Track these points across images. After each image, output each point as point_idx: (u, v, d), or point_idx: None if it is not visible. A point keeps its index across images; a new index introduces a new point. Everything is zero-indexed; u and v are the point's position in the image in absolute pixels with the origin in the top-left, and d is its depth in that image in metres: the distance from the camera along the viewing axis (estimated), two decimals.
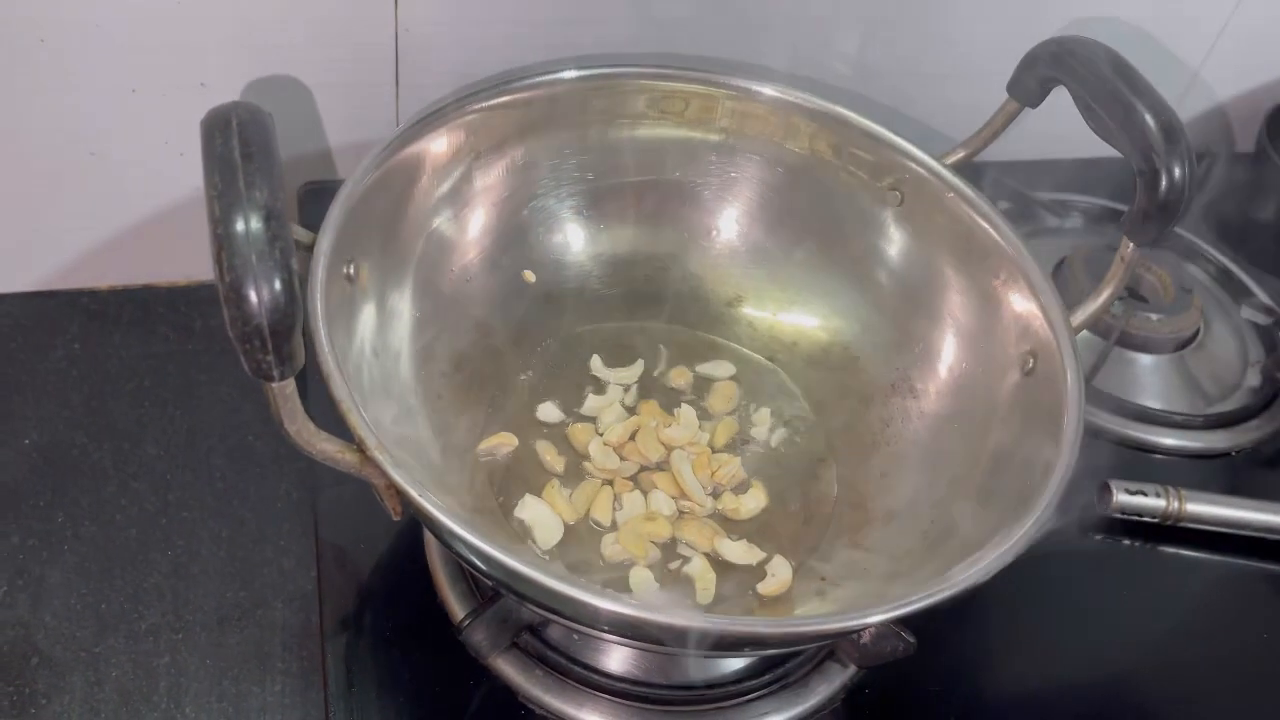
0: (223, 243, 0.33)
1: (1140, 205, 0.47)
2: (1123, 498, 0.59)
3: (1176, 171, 0.46)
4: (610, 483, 0.53)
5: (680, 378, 0.58)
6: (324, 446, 0.38)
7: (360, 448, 0.39)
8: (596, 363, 0.58)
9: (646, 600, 0.48)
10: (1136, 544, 0.60)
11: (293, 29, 0.59)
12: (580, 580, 0.46)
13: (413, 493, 0.38)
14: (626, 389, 0.57)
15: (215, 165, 0.34)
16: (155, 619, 0.54)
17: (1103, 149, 0.78)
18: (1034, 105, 0.55)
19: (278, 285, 0.33)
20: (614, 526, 0.52)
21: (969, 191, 0.55)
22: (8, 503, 0.57)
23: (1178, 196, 0.46)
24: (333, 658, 0.49)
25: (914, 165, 0.56)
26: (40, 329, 0.65)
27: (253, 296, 0.33)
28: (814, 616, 0.46)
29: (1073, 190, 0.78)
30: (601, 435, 0.55)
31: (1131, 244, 0.48)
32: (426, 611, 0.51)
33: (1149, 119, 0.46)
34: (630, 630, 0.40)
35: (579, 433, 0.55)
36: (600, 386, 0.57)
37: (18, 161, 0.60)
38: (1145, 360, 0.68)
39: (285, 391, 0.36)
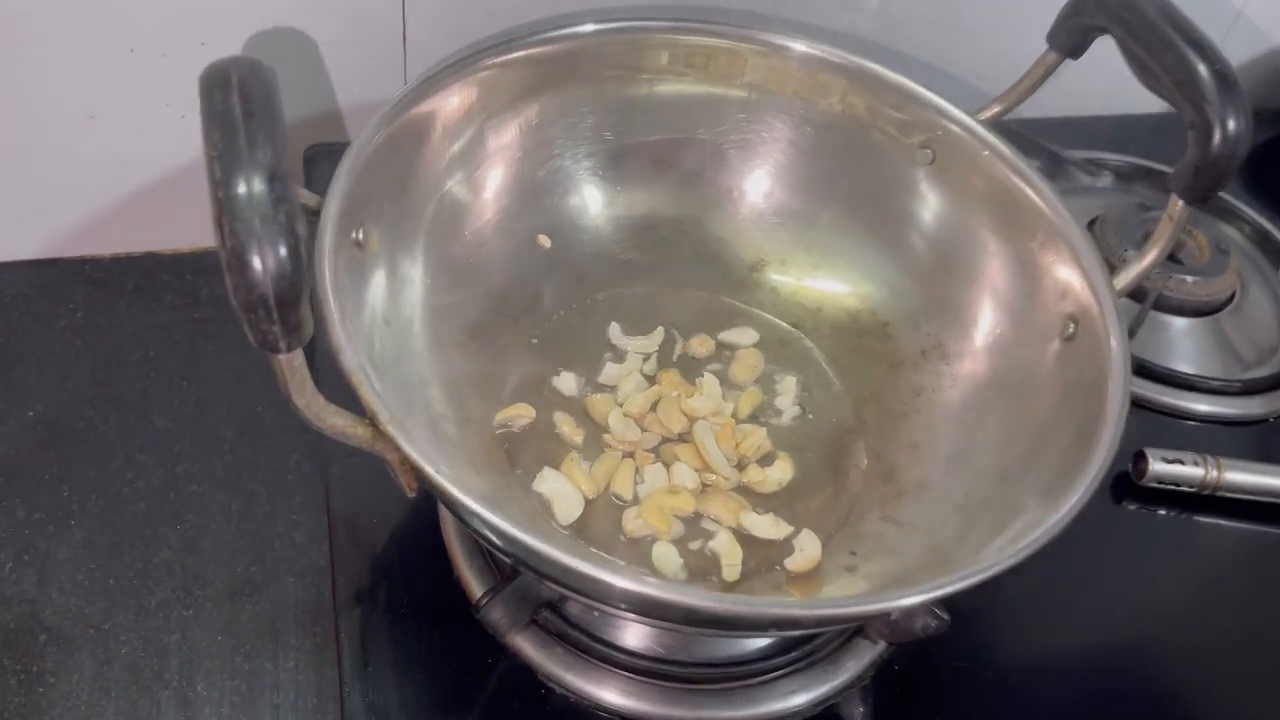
0: (224, 206, 0.31)
1: (1191, 160, 0.45)
2: (1159, 466, 0.58)
3: (1231, 124, 0.43)
4: (631, 455, 0.51)
5: (702, 346, 0.57)
6: (335, 421, 0.37)
7: (373, 422, 0.37)
8: (615, 330, 0.56)
9: (668, 579, 0.46)
10: (1173, 514, 0.59)
11: None
12: (601, 557, 0.44)
13: (428, 468, 0.36)
14: (646, 358, 0.55)
15: (215, 124, 0.32)
16: (165, 594, 0.53)
17: (1135, 105, 0.76)
18: (1075, 56, 0.52)
19: (283, 250, 0.31)
20: (635, 500, 0.50)
21: (1004, 149, 0.52)
22: (12, 477, 0.56)
23: (1231, 151, 0.44)
24: (347, 634, 0.48)
25: (946, 122, 0.54)
26: (43, 298, 0.63)
27: (256, 263, 0.31)
28: (849, 598, 0.44)
29: (1103, 148, 0.76)
30: (621, 406, 0.53)
31: (1181, 202, 0.46)
32: (443, 587, 0.50)
33: (1202, 68, 0.43)
34: (653, 610, 0.39)
35: (598, 403, 0.53)
36: (619, 355, 0.55)
37: (15, 127, 0.59)
38: (1180, 324, 0.66)
39: (293, 363, 0.34)
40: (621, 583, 0.36)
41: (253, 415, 0.60)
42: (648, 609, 0.38)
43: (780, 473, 0.52)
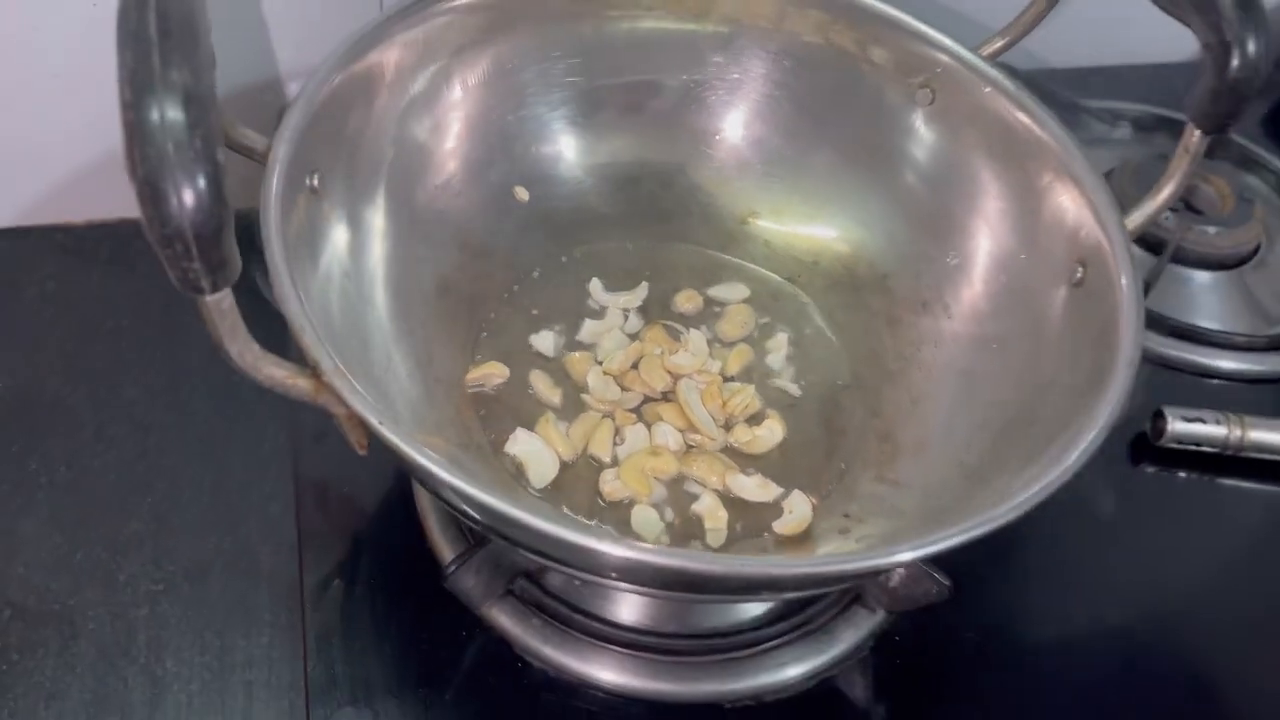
0: (134, 131, 0.28)
1: (1208, 85, 0.41)
2: (1179, 426, 0.55)
3: (1250, 45, 0.40)
4: (611, 415, 0.49)
5: (689, 302, 0.54)
6: (272, 371, 0.34)
7: (315, 373, 0.35)
8: (596, 286, 0.53)
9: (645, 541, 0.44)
10: (1194, 476, 0.56)
11: None
12: (570, 519, 0.42)
13: (372, 420, 0.34)
14: (628, 314, 0.53)
15: (127, 43, 0.29)
16: (134, 569, 0.51)
17: (1155, 54, 0.73)
18: None
19: (201, 181, 0.29)
20: (615, 463, 0.47)
21: (1008, 84, 0.49)
22: None
23: (1251, 74, 0.40)
24: (312, 604, 0.47)
25: (945, 57, 0.51)
26: (12, 267, 0.62)
27: (171, 195, 0.28)
28: (834, 556, 0.41)
29: (1122, 97, 0.73)
30: (600, 364, 0.50)
31: (1198, 132, 0.43)
32: (417, 559, 0.48)
33: None
34: (629, 575, 0.36)
35: (576, 362, 0.50)
36: (600, 312, 0.53)
37: None
38: (1202, 277, 0.64)
39: (221, 306, 0.31)
40: (590, 544, 0.33)
41: (228, 386, 0.57)
42: (622, 572, 0.36)
43: (770, 433, 0.49)
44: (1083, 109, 0.70)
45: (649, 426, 0.48)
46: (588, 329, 0.52)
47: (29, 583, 0.50)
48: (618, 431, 0.48)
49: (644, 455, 0.47)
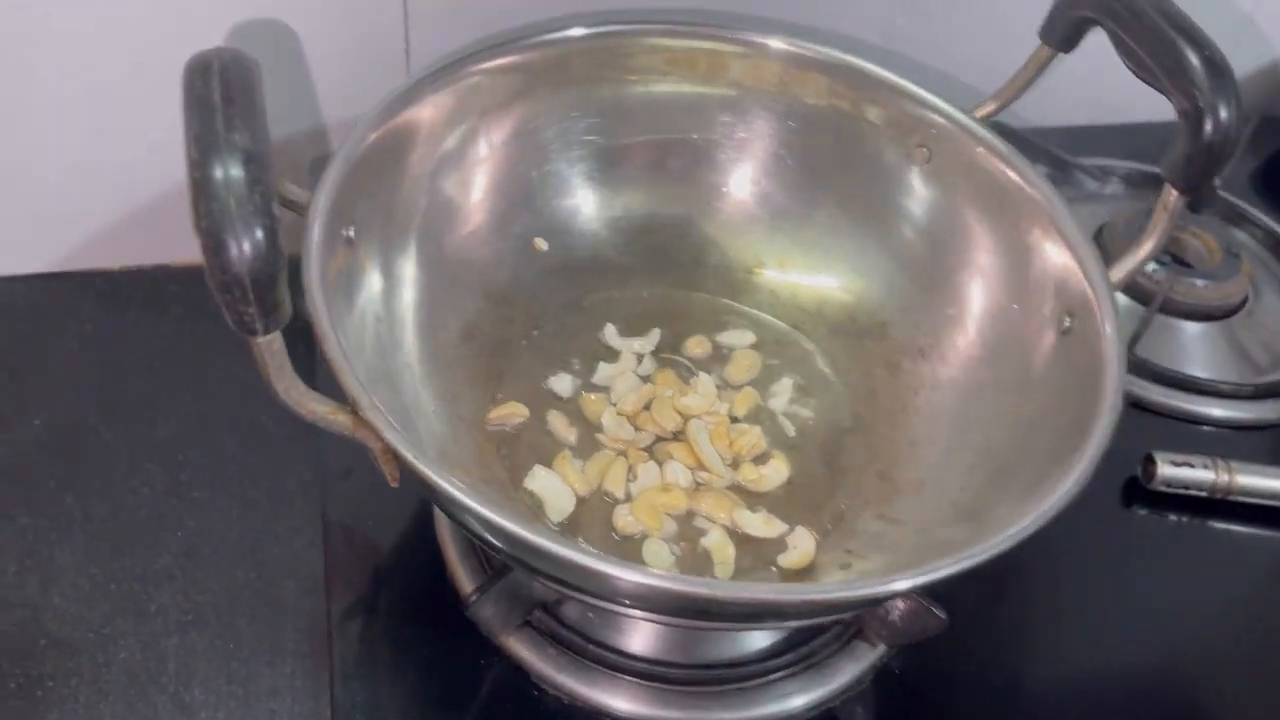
0: (200, 187, 0.31)
1: (1183, 149, 0.44)
2: (1168, 470, 0.57)
3: (1223, 111, 0.43)
4: (624, 454, 0.51)
5: (698, 347, 0.56)
6: (315, 407, 0.37)
7: (353, 409, 0.37)
8: (610, 332, 0.56)
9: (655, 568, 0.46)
10: (1183, 519, 0.57)
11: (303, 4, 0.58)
12: (585, 547, 0.44)
13: (408, 454, 0.36)
14: (641, 358, 0.55)
15: (194, 108, 0.33)
16: (165, 600, 0.53)
17: (1144, 113, 0.76)
18: (1067, 50, 0.52)
19: (259, 232, 0.31)
20: (628, 498, 0.49)
21: (1000, 145, 0.52)
22: (18, 484, 0.57)
23: (1223, 138, 0.43)
24: (339, 634, 0.48)
25: (940, 119, 0.53)
26: (52, 311, 0.64)
27: (231, 244, 0.31)
28: (834, 584, 0.43)
29: (1112, 155, 0.75)
30: (614, 405, 0.52)
31: (1175, 192, 0.45)
32: (438, 590, 0.49)
33: (1192, 55, 0.43)
34: (644, 601, 0.38)
35: (591, 403, 0.53)
36: (614, 356, 0.55)
37: (25, 141, 0.60)
38: (1191, 328, 0.65)
39: (272, 347, 0.34)
40: (605, 569, 0.35)
41: (256, 425, 0.60)
42: (633, 597, 0.38)
43: (775, 472, 0.51)
44: (1074, 166, 0.72)
45: (660, 464, 0.51)
46: (602, 372, 0.54)
47: (64, 613, 0.52)
48: (631, 469, 0.50)
49: (656, 492, 0.49)
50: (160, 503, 0.57)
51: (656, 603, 0.37)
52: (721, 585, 0.37)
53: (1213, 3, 0.70)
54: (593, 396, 0.53)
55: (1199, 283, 0.65)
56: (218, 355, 0.63)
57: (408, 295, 0.49)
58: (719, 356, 0.56)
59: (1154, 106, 0.48)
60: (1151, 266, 0.64)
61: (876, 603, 0.37)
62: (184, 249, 0.66)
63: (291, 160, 0.63)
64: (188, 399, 0.61)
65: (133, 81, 0.58)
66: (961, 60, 0.66)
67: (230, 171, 0.31)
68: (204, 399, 0.61)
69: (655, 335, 0.56)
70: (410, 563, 0.51)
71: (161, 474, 0.58)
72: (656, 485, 0.49)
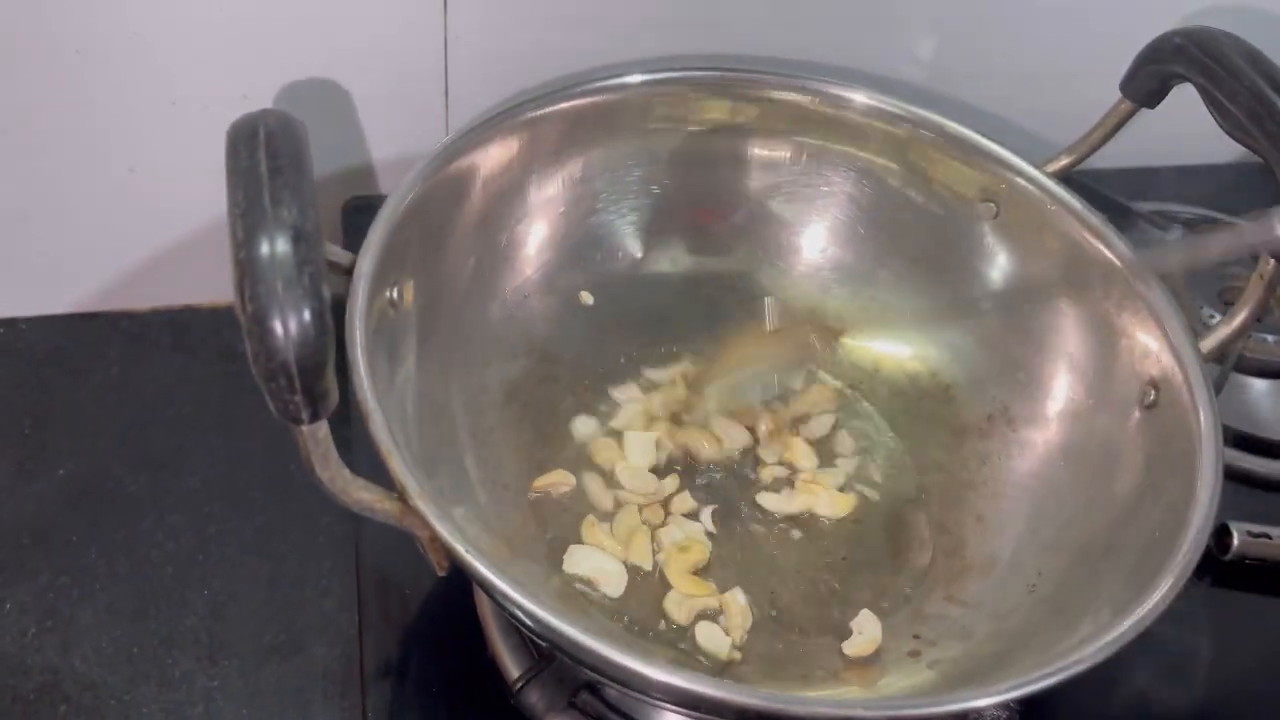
0: (245, 268, 0.29)
1: None
2: (1244, 540, 0.54)
3: None
4: (644, 518, 0.49)
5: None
6: (361, 495, 0.34)
7: (401, 496, 0.35)
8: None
9: (717, 659, 0.43)
10: (1259, 595, 0.55)
11: (339, 39, 0.56)
12: (642, 645, 0.41)
13: (459, 548, 0.34)
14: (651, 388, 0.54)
15: (239, 181, 0.30)
16: (189, 664, 0.51)
17: (1204, 155, 0.73)
18: (1152, 105, 0.49)
19: (307, 316, 0.29)
20: (656, 569, 0.47)
21: (1074, 203, 0.49)
22: (39, 538, 0.55)
23: None
24: (373, 710, 0.46)
25: (1011, 175, 0.51)
26: (79, 353, 0.63)
27: (278, 329, 0.29)
28: (917, 699, 0.40)
29: (1173, 199, 0.73)
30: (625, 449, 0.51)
31: (1273, 261, 0.43)
32: (475, 662, 0.47)
33: None
34: (696, 705, 0.35)
35: (601, 448, 0.51)
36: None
37: (55, 179, 0.58)
38: (1261, 385, 0.63)
39: (317, 435, 0.32)
40: (661, 676, 0.33)
41: (284, 475, 0.58)
42: (685, 703, 0.35)
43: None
44: (1134, 212, 0.70)
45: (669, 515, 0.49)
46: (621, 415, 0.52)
47: (85, 677, 0.50)
48: (654, 535, 0.48)
49: (678, 555, 0.47)
50: (186, 559, 0.55)
51: (715, 710, 0.35)
52: (781, 698, 0.35)
53: None
54: (601, 441, 0.51)
55: (1270, 339, 0.63)
56: (246, 399, 0.61)
57: (452, 356, 0.47)
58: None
59: (1216, 146, 0.45)
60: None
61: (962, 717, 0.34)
62: (213, 289, 0.65)
63: (322, 205, 0.62)
64: (216, 445, 0.59)
65: (163, 120, 0.57)
66: (1034, 111, 0.64)
67: (278, 250, 0.29)
68: (232, 448, 0.59)
69: (678, 366, 0.55)
70: (448, 629, 0.49)
71: (188, 528, 0.56)
72: (677, 546, 0.47)
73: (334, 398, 0.31)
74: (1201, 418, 0.42)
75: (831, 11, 0.60)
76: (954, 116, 0.52)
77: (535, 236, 0.52)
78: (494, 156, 0.48)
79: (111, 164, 0.58)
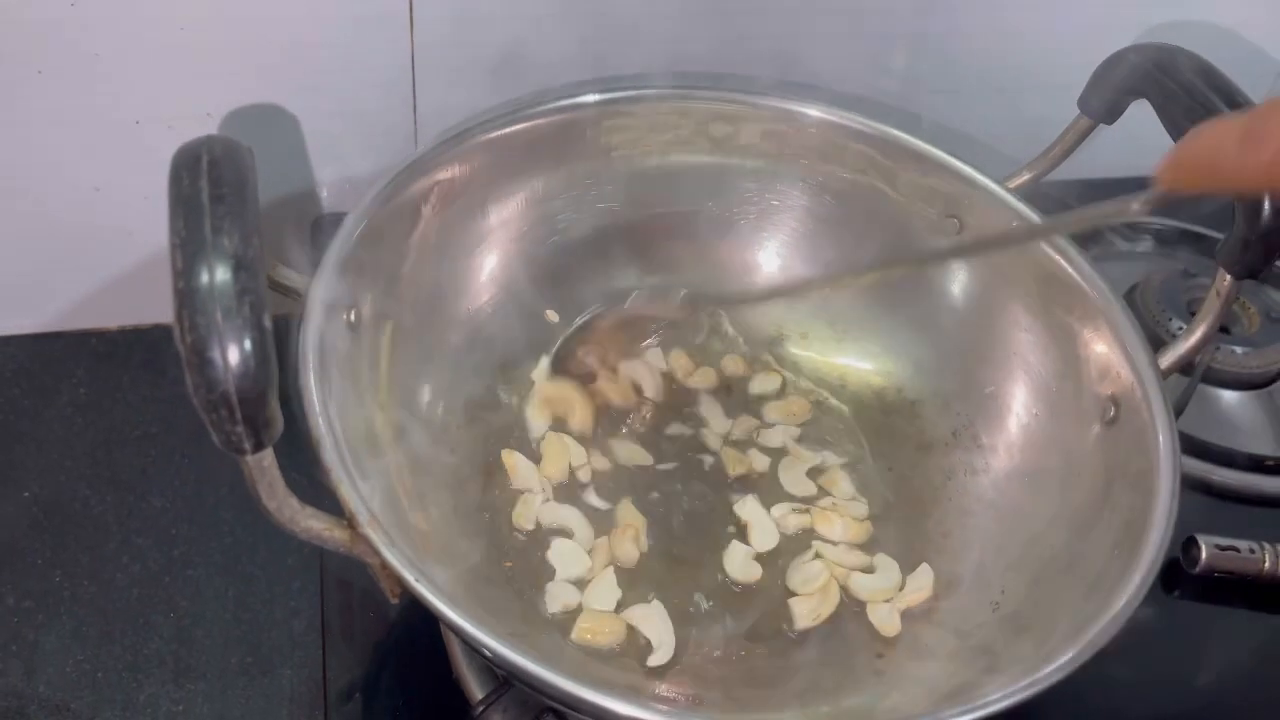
0: (184, 298, 0.29)
1: (1239, 234, 0.42)
2: (1212, 554, 0.54)
3: None
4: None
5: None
6: (310, 524, 0.34)
7: (351, 524, 0.35)
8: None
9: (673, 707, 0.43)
10: (1227, 607, 0.54)
11: (306, 58, 0.56)
12: (597, 679, 0.41)
13: (408, 576, 0.33)
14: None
15: (180, 209, 0.30)
16: (155, 688, 0.51)
17: None
18: (1109, 121, 0.50)
19: (247, 346, 0.29)
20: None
21: (1035, 218, 0.49)
22: (3, 561, 0.54)
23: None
24: None
25: (972, 190, 0.51)
26: (46, 372, 0.62)
27: (218, 359, 0.29)
28: None
29: None
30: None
31: (1229, 277, 0.43)
32: (440, 684, 0.47)
33: None
34: None
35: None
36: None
37: (20, 198, 0.58)
38: (1229, 397, 0.63)
39: (262, 464, 0.32)
40: (621, 708, 0.33)
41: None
42: None
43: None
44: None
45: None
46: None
47: (50, 701, 0.50)
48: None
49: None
50: (152, 581, 0.54)
51: None
52: None
53: (1250, 66, 0.68)
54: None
55: (1238, 350, 0.63)
56: None
57: (411, 377, 0.47)
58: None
59: None
60: None
61: None
62: None
63: (280, 226, 0.61)
64: (183, 468, 0.59)
65: (128, 139, 0.57)
66: (996, 127, 0.64)
67: (218, 280, 0.29)
68: (200, 468, 0.59)
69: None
70: (413, 652, 0.49)
71: (154, 549, 0.55)
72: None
73: (278, 427, 0.31)
74: (1160, 435, 0.42)
75: (799, 28, 0.60)
76: (916, 133, 0.52)
77: (496, 256, 0.52)
78: (453, 177, 0.48)
79: (79, 183, 0.58)
